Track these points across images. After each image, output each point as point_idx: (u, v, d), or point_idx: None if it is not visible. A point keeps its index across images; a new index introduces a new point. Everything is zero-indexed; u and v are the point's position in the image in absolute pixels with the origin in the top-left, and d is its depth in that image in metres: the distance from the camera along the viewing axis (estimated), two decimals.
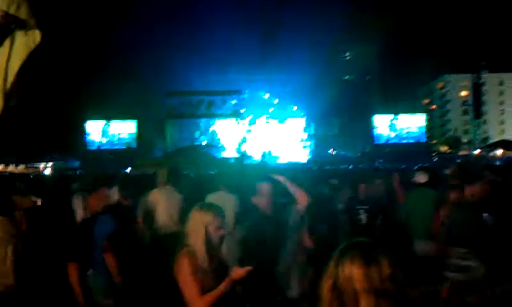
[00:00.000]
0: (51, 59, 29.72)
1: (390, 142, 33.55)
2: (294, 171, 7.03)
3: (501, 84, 79.68)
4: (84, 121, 32.39)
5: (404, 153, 28.14)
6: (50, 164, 33.14)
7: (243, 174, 6.41)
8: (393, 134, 33.75)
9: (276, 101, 31.84)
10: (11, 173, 21.19)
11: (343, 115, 51.28)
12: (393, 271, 1.40)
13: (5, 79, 2.05)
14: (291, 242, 3.54)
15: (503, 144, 34.31)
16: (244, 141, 30.06)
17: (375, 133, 34.05)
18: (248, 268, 2.58)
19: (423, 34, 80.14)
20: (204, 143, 30.49)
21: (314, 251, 3.06)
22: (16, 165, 32.10)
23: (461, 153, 46.11)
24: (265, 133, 30.25)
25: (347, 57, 74.29)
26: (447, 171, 6.82)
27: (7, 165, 31.26)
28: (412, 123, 34.25)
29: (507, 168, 7.33)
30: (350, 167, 15.71)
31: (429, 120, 45.00)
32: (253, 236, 3.73)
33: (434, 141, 68.07)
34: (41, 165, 33.10)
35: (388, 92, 60.87)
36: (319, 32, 55.33)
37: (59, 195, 5.55)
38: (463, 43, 65.98)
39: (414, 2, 68.94)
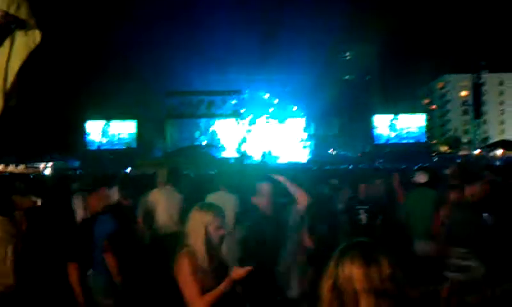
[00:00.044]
0: (51, 59, 29.72)
1: (390, 142, 33.56)
2: (294, 171, 7.03)
3: (501, 84, 79.67)
4: (84, 121, 32.40)
5: (404, 153, 28.14)
6: (50, 164, 33.16)
7: (243, 174, 6.41)
8: (393, 134, 33.76)
9: (276, 101, 31.84)
10: (11, 173, 21.19)
11: (343, 115, 51.31)
12: (393, 271, 1.40)
13: (5, 79, 2.05)
14: (291, 242, 3.53)
15: (503, 144, 34.31)
16: (244, 141, 30.06)
17: (375, 134, 34.05)
18: (248, 268, 2.58)
19: (423, 34, 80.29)
20: (204, 143, 30.48)
21: (314, 251, 3.06)
22: (16, 165, 32.12)
23: (461, 153, 46.11)
24: (265, 133, 30.23)
25: (347, 57, 74.33)
26: (447, 171, 6.82)
27: (7, 165, 31.28)
28: (412, 123, 34.26)
29: (507, 168, 7.32)
30: (350, 167, 15.71)
31: (429, 120, 45.03)
32: (253, 236, 3.73)
33: (434, 141, 68.06)
34: (41, 165, 33.12)
35: (388, 92, 60.91)
36: (319, 32, 55.43)
37: (59, 195, 5.55)
38: (463, 43, 66.08)
39: (414, 2, 69.05)
